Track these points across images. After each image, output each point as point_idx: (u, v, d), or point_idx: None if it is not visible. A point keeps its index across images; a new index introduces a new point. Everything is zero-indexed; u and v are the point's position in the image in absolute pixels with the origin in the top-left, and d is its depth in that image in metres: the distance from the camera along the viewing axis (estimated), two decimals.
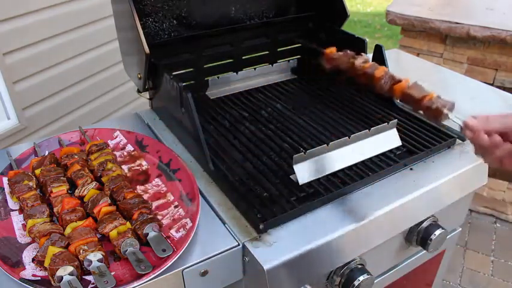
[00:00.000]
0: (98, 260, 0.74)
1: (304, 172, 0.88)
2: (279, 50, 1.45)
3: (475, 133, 0.68)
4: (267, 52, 1.43)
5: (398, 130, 1.00)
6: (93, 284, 0.73)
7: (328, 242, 0.83)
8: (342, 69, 1.12)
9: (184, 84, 0.99)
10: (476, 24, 2.11)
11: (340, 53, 1.13)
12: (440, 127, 1.12)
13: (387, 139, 0.96)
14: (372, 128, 0.93)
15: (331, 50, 1.16)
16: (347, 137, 0.91)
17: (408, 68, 1.62)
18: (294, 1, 1.45)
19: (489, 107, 1.29)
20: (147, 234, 0.80)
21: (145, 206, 0.85)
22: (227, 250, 0.80)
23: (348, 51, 1.12)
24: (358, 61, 1.07)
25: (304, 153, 0.87)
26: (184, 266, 0.77)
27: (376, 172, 0.97)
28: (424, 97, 0.91)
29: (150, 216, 0.83)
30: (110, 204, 0.86)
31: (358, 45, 1.24)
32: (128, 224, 0.82)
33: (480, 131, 0.68)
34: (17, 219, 0.86)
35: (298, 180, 0.88)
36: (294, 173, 0.88)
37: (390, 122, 0.94)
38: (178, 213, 0.88)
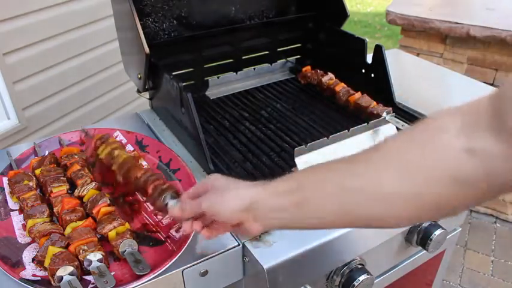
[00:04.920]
0: (97, 260, 0.74)
1: (305, 165, 0.88)
2: (279, 50, 1.45)
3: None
4: (267, 52, 1.43)
5: (398, 130, 1.01)
6: (93, 284, 0.73)
7: (328, 242, 0.83)
8: (313, 84, 1.33)
9: (184, 84, 0.99)
10: (476, 24, 2.11)
11: (312, 71, 1.34)
12: None
13: (385, 133, 1.00)
14: (371, 122, 0.96)
15: (306, 69, 1.37)
16: (346, 130, 0.93)
17: (408, 68, 1.62)
18: (294, 1, 1.45)
19: None
20: (167, 204, 0.74)
21: (157, 178, 0.81)
22: (227, 250, 0.80)
23: (318, 70, 1.32)
24: (325, 78, 1.28)
25: (305, 146, 0.88)
26: (184, 266, 0.77)
27: None
28: (369, 105, 1.14)
29: (165, 185, 0.78)
30: (109, 205, 0.86)
31: (358, 45, 1.24)
32: (127, 225, 0.82)
33: (181, 219, 0.71)
34: (17, 219, 0.86)
35: None
36: (296, 169, 0.89)
37: (388, 115, 1.00)
38: None
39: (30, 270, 0.75)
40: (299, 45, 1.48)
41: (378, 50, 1.19)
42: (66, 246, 0.77)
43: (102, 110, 2.51)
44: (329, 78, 1.29)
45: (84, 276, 0.75)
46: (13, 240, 0.81)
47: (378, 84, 1.21)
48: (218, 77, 1.36)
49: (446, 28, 2.17)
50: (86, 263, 0.74)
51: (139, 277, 0.73)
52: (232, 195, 0.65)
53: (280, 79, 1.42)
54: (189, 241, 0.79)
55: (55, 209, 0.86)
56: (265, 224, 0.65)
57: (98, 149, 0.99)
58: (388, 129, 1.01)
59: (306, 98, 1.31)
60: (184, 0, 1.23)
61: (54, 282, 0.71)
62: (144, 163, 1.02)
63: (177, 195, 0.75)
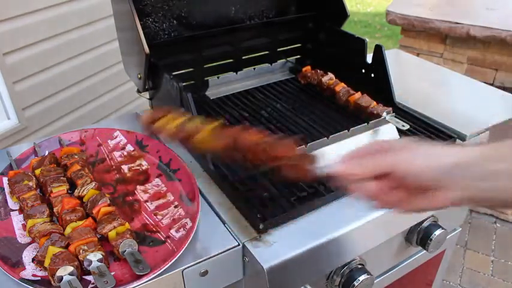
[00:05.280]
0: (97, 260, 0.74)
1: None
2: (279, 50, 1.45)
3: (353, 183, 0.58)
4: (267, 52, 1.43)
5: (398, 130, 1.02)
6: (93, 284, 0.73)
7: (328, 242, 0.83)
8: (313, 84, 1.32)
9: (184, 84, 0.99)
10: (476, 24, 2.11)
11: (312, 71, 1.33)
12: (440, 127, 1.13)
13: (385, 133, 1.00)
14: (371, 122, 0.95)
15: (306, 69, 1.35)
16: (346, 130, 0.93)
17: (408, 68, 1.62)
18: (294, 1, 1.45)
19: (489, 107, 1.29)
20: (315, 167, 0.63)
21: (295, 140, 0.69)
22: (227, 250, 0.80)
23: (318, 70, 1.31)
24: (325, 78, 1.28)
25: (305, 146, 0.88)
26: (184, 266, 0.77)
27: None
28: (369, 105, 1.13)
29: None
30: (109, 205, 0.86)
31: (358, 45, 1.24)
32: (127, 225, 0.82)
33: (360, 179, 0.57)
34: (17, 219, 0.86)
35: None
36: None
37: (388, 115, 0.98)
38: (178, 213, 0.88)
39: (30, 270, 0.75)
40: (299, 45, 1.48)
41: (378, 50, 1.19)
42: (66, 246, 0.77)
43: (102, 110, 2.51)
44: (329, 78, 1.29)
45: (84, 276, 0.75)
46: (13, 240, 0.81)
47: (378, 84, 1.21)
48: (218, 77, 1.36)
49: (446, 28, 2.17)
50: (86, 263, 0.74)
51: (139, 277, 0.73)
52: (433, 152, 0.54)
53: (280, 79, 1.42)
54: (189, 241, 0.79)
55: (55, 209, 0.86)
56: (467, 195, 0.53)
57: (159, 121, 0.83)
58: (388, 129, 1.01)
59: (306, 98, 1.31)
60: (184, 0, 1.23)
61: (54, 282, 0.71)
62: (144, 163, 1.03)
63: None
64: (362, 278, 0.90)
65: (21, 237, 0.82)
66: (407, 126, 1.01)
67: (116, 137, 1.11)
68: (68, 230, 0.81)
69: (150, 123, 0.82)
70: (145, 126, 0.83)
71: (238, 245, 0.81)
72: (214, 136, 0.74)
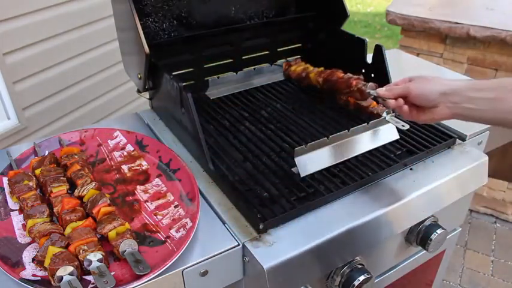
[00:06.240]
0: (97, 260, 0.74)
1: (305, 164, 0.89)
2: (278, 50, 1.45)
3: (384, 100, 0.91)
4: (267, 52, 1.43)
5: (398, 130, 1.02)
6: (93, 284, 0.73)
7: (328, 241, 0.83)
8: (302, 77, 1.34)
9: (184, 84, 0.99)
10: (476, 24, 2.11)
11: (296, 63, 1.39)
12: (440, 127, 1.13)
13: (385, 133, 1.01)
14: (371, 122, 0.96)
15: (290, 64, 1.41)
16: (346, 130, 0.93)
17: (408, 68, 1.62)
18: (294, 1, 1.45)
19: None
20: (369, 92, 1.05)
21: (358, 77, 1.13)
22: (227, 250, 0.80)
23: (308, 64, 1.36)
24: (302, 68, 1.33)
25: (305, 146, 0.88)
26: (184, 266, 0.77)
27: (376, 172, 0.97)
28: (369, 105, 1.16)
29: (366, 83, 1.08)
30: (109, 205, 0.86)
31: (358, 45, 1.24)
32: (127, 225, 0.82)
33: (388, 98, 0.89)
34: (17, 219, 0.86)
35: (299, 172, 0.88)
36: (295, 168, 0.89)
37: (388, 115, 1.00)
38: (178, 213, 0.88)
39: (30, 270, 0.75)
40: (299, 45, 1.48)
41: (378, 50, 1.19)
42: (66, 246, 0.77)
43: (102, 110, 2.51)
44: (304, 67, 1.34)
45: (84, 276, 0.75)
46: (13, 240, 0.81)
47: (378, 84, 1.21)
48: (218, 77, 1.36)
49: (446, 28, 2.17)
50: (86, 263, 0.74)
51: (139, 277, 0.73)
52: (437, 80, 0.83)
53: (281, 79, 1.43)
54: (189, 241, 0.79)
55: (55, 209, 0.86)
56: (455, 112, 0.81)
57: (290, 68, 1.35)
58: (388, 129, 1.01)
59: (306, 98, 1.31)
60: (184, 0, 1.23)
61: (54, 282, 0.71)
62: (144, 163, 1.03)
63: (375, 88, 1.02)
64: (362, 278, 0.90)
65: (21, 237, 0.82)
66: (407, 126, 1.00)
67: (116, 137, 1.11)
68: (68, 230, 0.81)
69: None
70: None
71: (238, 245, 0.81)
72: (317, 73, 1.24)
